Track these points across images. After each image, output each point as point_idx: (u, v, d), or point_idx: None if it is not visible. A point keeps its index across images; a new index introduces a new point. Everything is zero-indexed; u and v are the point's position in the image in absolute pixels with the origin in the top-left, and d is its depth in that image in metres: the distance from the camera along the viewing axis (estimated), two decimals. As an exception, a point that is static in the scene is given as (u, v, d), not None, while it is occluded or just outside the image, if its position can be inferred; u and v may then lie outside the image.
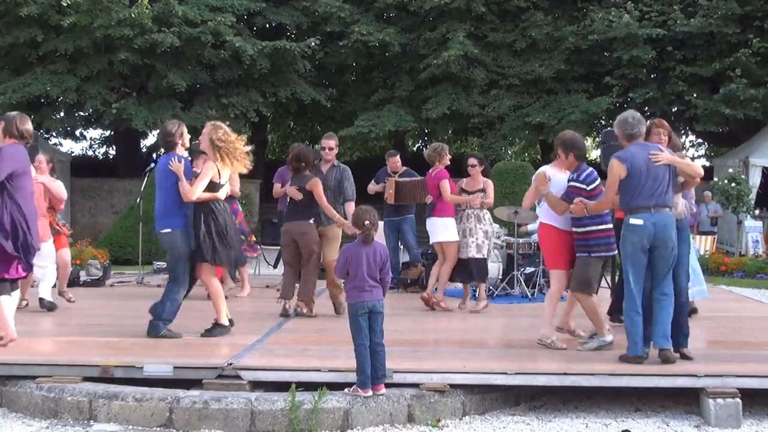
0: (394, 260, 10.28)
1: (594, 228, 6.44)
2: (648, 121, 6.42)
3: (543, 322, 6.69)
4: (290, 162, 8.27)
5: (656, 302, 5.91)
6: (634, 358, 5.82)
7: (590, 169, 6.59)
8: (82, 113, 22.16)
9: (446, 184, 8.83)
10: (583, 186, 6.44)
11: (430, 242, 9.18)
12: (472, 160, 9.05)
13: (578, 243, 6.53)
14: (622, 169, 5.93)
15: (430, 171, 9.09)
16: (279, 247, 11.80)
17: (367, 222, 5.38)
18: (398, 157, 10.98)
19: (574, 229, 6.53)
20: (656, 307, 5.90)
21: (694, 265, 7.84)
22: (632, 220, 5.89)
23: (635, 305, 5.87)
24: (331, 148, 9.01)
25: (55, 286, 8.90)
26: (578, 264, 6.53)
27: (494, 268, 10.15)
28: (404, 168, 10.93)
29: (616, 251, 6.52)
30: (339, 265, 5.46)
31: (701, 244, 15.41)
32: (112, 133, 26.86)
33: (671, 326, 5.90)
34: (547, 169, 6.86)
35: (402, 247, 11.10)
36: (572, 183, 6.48)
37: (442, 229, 8.86)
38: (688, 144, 28.70)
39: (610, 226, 6.53)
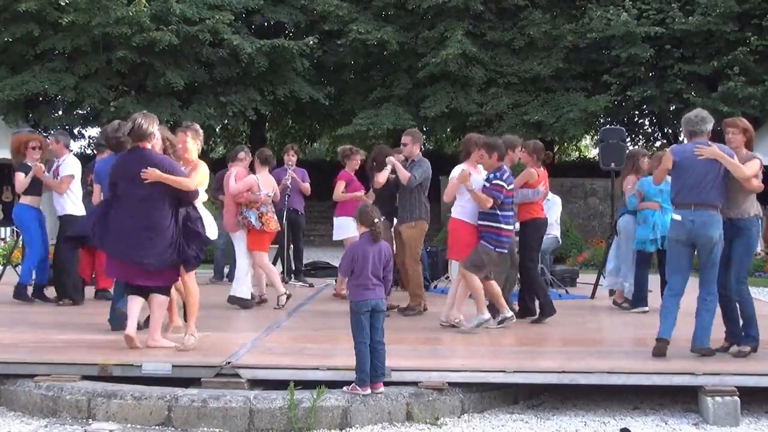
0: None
1: (486, 224, 7.11)
2: None
3: (450, 305, 7.34)
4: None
5: (701, 301, 6.03)
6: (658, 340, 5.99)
7: (508, 171, 7.35)
8: (80, 111, 22.18)
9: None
10: (504, 185, 7.12)
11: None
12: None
13: (483, 234, 7.14)
14: (668, 160, 6.12)
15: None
16: (277, 246, 11.81)
17: (376, 219, 5.37)
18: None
19: (479, 222, 7.17)
20: (700, 307, 6.02)
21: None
22: (673, 216, 6.13)
23: (668, 291, 6.19)
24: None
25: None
26: (476, 248, 7.10)
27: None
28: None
29: (506, 250, 7.26)
30: (345, 262, 5.40)
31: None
32: (111, 131, 26.82)
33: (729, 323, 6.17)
34: (465, 167, 7.39)
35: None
36: (496, 181, 7.13)
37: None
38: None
39: (505, 227, 7.13)
